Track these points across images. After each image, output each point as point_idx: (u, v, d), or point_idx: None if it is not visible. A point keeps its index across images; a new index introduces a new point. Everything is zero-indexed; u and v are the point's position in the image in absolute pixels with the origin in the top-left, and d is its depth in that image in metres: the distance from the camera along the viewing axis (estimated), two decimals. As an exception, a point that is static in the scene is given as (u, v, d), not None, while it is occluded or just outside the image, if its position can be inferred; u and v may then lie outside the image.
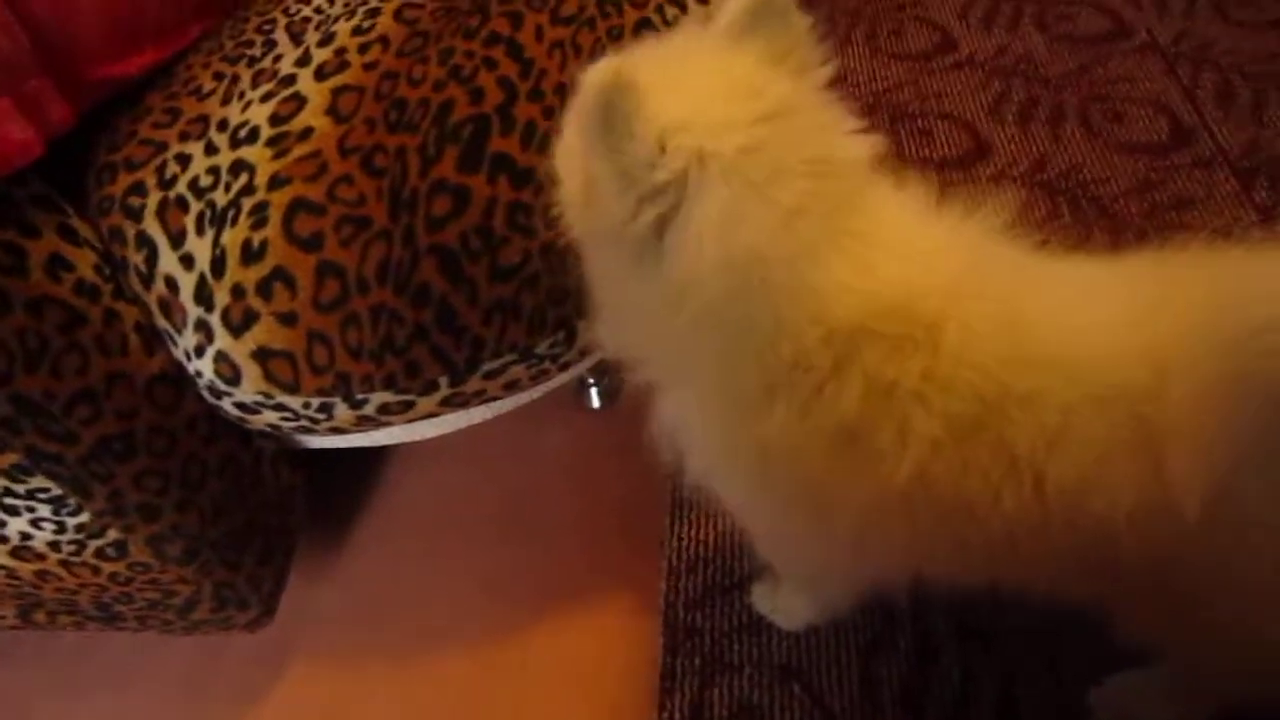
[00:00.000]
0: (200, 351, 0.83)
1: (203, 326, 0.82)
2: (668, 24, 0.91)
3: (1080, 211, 1.38)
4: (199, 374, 0.85)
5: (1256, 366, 0.53)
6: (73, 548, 0.86)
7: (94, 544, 0.86)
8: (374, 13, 0.92)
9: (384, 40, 0.89)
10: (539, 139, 0.82)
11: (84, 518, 0.83)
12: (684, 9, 0.92)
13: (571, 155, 0.62)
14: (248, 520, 0.96)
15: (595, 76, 0.53)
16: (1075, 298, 0.62)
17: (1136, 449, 0.57)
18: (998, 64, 1.66)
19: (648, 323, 0.65)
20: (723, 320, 0.60)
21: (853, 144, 0.61)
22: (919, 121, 1.57)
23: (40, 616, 0.99)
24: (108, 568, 0.89)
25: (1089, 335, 0.60)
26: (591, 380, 1.29)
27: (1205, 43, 1.63)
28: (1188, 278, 0.60)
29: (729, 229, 0.57)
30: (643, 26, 0.90)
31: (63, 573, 0.90)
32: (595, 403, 1.31)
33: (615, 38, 0.88)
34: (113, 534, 0.85)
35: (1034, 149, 1.49)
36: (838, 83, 0.63)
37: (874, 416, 0.61)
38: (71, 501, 0.81)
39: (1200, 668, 0.77)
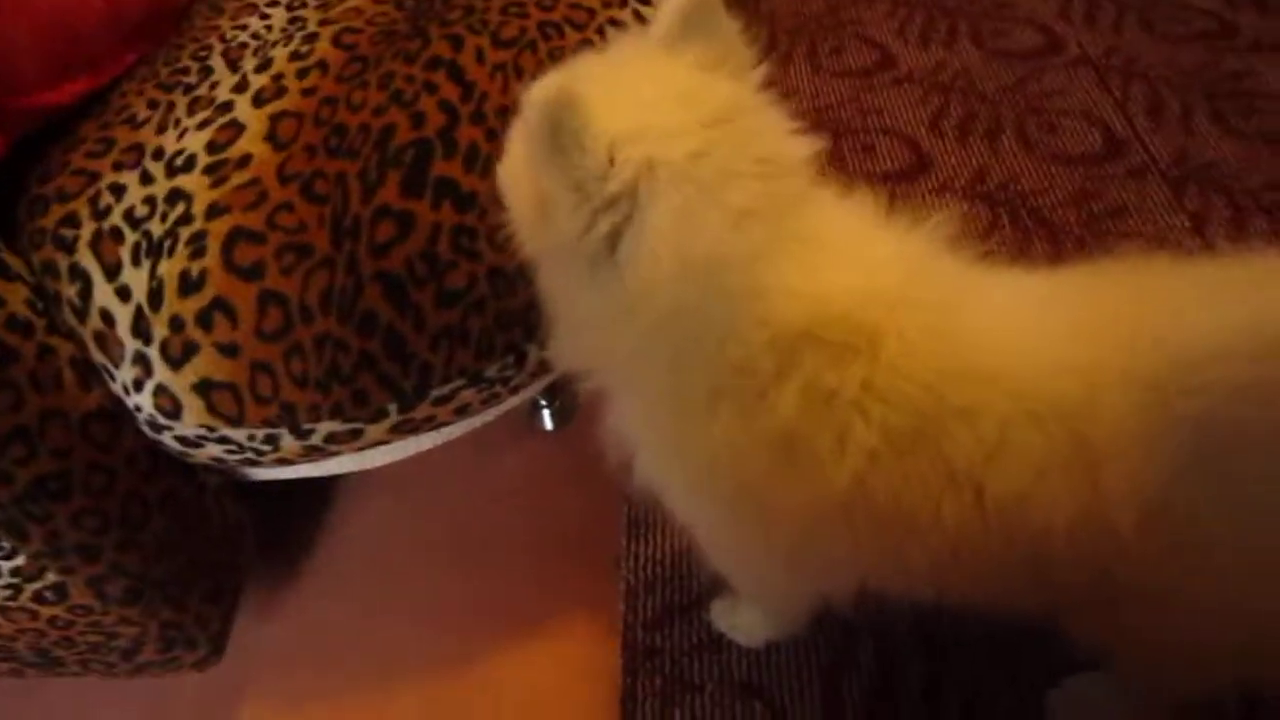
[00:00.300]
0: (139, 385, 0.81)
1: (141, 360, 0.80)
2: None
3: (1020, 222, 1.41)
4: (138, 408, 0.83)
5: (1178, 403, 0.54)
6: (8, 592, 0.83)
7: (31, 587, 0.83)
8: (312, 38, 0.91)
9: (323, 65, 0.88)
10: (482, 162, 0.82)
11: (19, 560, 0.80)
12: (624, 29, 0.93)
13: (517, 174, 0.62)
14: (192, 557, 0.94)
15: (540, 94, 0.53)
16: (1015, 310, 0.63)
17: (1073, 464, 0.58)
18: (936, 80, 1.69)
19: (601, 334, 0.65)
20: (675, 327, 0.60)
21: (797, 144, 0.62)
22: (861, 137, 1.60)
23: (-25, 665, 0.95)
24: (46, 611, 0.86)
25: (1027, 349, 0.60)
26: (544, 402, 1.28)
27: (1134, 56, 1.68)
28: (1124, 291, 0.61)
29: (683, 235, 0.57)
30: (584, 48, 0.90)
31: (-2, 619, 0.87)
32: (548, 425, 1.30)
33: (557, 59, 0.88)
34: (51, 576, 0.82)
35: (973, 162, 1.52)
36: (780, 99, 0.64)
37: (813, 424, 0.61)
38: (5, 544, 0.78)
39: (1151, 673, 0.78)
